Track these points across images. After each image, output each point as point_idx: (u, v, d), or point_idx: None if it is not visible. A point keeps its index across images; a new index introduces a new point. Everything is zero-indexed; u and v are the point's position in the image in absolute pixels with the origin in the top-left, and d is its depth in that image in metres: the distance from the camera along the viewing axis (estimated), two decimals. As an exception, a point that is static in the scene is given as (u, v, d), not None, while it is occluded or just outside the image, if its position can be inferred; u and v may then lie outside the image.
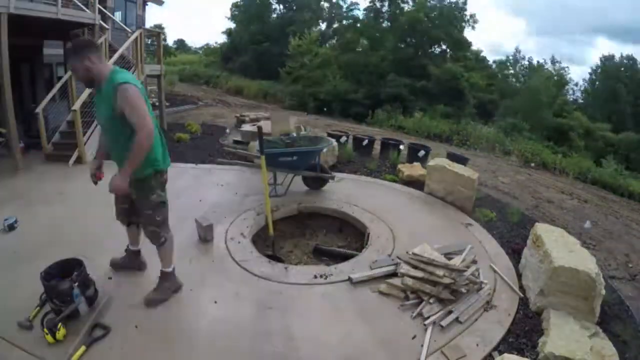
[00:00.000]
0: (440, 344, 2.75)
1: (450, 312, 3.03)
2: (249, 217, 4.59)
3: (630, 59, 25.94)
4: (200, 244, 3.91)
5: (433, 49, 25.30)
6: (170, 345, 2.60)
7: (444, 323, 2.91)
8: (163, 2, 16.46)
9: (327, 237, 4.92)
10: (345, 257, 4.00)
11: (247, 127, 8.56)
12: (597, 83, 26.84)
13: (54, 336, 2.50)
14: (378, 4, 26.20)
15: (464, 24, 25.30)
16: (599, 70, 26.71)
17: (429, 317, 2.95)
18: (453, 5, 24.87)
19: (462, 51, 25.10)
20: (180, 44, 44.98)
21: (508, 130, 17.09)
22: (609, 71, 25.34)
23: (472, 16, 25.53)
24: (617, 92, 23.85)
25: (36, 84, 8.89)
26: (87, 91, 6.64)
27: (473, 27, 25.89)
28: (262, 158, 4.19)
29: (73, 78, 7.26)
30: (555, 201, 7.56)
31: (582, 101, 26.94)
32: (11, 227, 3.98)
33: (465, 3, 24.96)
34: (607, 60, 26.76)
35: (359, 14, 28.16)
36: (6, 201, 4.66)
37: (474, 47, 26.76)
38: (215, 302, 3.05)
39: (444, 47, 25.53)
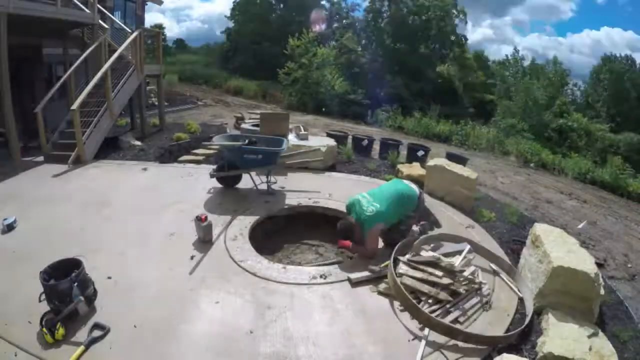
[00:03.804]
0: (439, 343, 2.75)
1: (449, 312, 3.03)
2: (248, 217, 4.59)
3: (629, 59, 25.91)
4: (200, 244, 3.91)
5: (430, 48, 25.29)
6: (170, 345, 2.60)
7: (443, 323, 2.91)
8: (162, 2, 16.45)
9: (326, 236, 4.92)
10: None
11: (247, 126, 8.56)
12: (600, 83, 26.61)
13: (53, 336, 2.50)
14: (378, 4, 26.20)
15: (454, 16, 25.26)
16: (602, 70, 26.49)
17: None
18: (444, 3, 24.79)
19: (459, 47, 25.07)
20: (180, 43, 44.91)
21: (507, 131, 17.09)
22: (616, 71, 25.13)
23: (461, 10, 25.52)
24: (623, 92, 23.72)
25: (35, 83, 8.88)
26: (86, 91, 6.65)
27: (465, 21, 25.90)
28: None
29: (72, 77, 7.26)
30: (554, 201, 7.57)
31: (580, 101, 26.88)
32: (10, 227, 3.98)
33: None
34: (609, 60, 26.64)
35: (360, 15, 28.17)
36: (5, 201, 4.65)
37: (476, 47, 26.83)
38: (217, 302, 3.05)
39: (438, 45, 25.53)
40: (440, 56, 25.26)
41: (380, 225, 3.68)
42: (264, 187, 5.40)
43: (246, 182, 5.52)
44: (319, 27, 24.88)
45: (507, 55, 27.22)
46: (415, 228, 4.09)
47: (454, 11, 24.96)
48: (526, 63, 26.69)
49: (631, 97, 23.70)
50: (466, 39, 26.34)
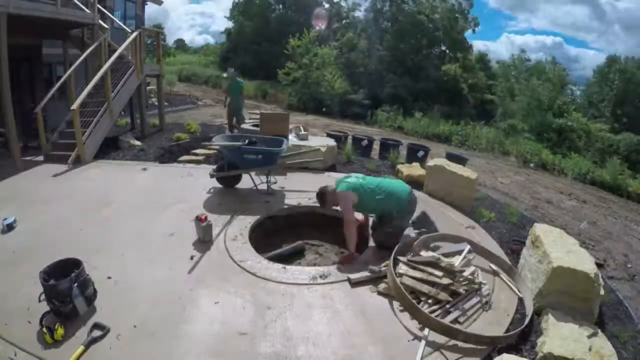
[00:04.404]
0: (439, 343, 2.75)
1: (449, 312, 3.03)
2: (248, 217, 4.59)
3: (635, 60, 25.74)
4: (200, 244, 3.91)
5: (433, 50, 25.35)
6: (169, 345, 2.60)
7: (442, 323, 2.90)
8: (162, 2, 16.45)
9: (326, 236, 4.91)
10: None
11: (247, 126, 8.57)
12: (607, 83, 26.45)
13: (52, 336, 2.50)
14: (379, 5, 26.23)
15: (465, 25, 25.39)
16: (611, 70, 26.34)
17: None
18: (455, 8, 24.96)
19: (462, 52, 25.17)
20: (180, 43, 44.95)
21: (507, 131, 17.11)
22: (628, 71, 24.97)
23: (473, 19, 25.68)
24: (632, 93, 23.57)
25: (35, 83, 8.88)
26: (86, 91, 6.65)
27: (474, 31, 26.08)
28: None
29: (72, 77, 7.27)
30: (554, 201, 7.58)
31: (580, 101, 26.84)
32: (10, 227, 3.97)
33: (471, 5, 25.14)
34: (613, 60, 26.55)
35: (360, 15, 28.17)
36: (5, 201, 4.65)
37: (477, 48, 26.98)
38: (216, 302, 3.05)
39: (443, 48, 25.60)
40: (443, 56, 25.30)
41: (350, 194, 3.69)
42: (264, 187, 5.41)
43: (246, 182, 5.53)
44: (321, 25, 24.93)
45: (513, 54, 27.29)
46: (412, 234, 4.02)
47: (458, 15, 25.04)
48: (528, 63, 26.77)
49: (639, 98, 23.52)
50: (470, 47, 26.42)
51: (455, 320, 2.96)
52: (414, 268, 3.38)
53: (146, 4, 15.09)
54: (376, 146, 8.49)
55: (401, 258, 3.55)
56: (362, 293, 3.29)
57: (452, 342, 2.76)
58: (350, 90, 21.07)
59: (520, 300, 3.32)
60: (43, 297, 2.71)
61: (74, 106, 6.32)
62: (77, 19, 7.69)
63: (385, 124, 16.83)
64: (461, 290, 3.20)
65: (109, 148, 7.20)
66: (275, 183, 5.51)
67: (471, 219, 5.02)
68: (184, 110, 14.08)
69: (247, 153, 5.19)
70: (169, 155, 7.07)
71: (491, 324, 3.00)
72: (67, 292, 2.66)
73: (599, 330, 2.94)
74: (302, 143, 6.88)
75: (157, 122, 9.61)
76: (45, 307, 2.69)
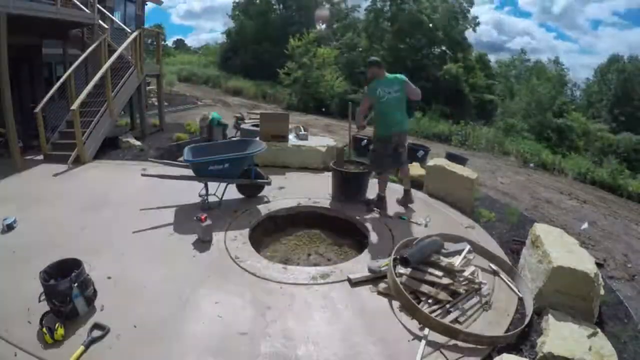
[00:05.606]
0: (439, 343, 2.74)
1: (449, 312, 3.03)
2: (248, 217, 4.59)
3: (635, 59, 25.74)
4: (200, 244, 3.91)
5: (433, 50, 25.34)
6: (169, 345, 2.60)
7: (442, 323, 2.90)
8: (162, 2, 16.46)
9: (325, 236, 4.91)
10: None
11: (247, 126, 8.56)
12: (603, 82, 26.49)
13: (52, 336, 2.50)
14: (379, 4, 26.22)
15: (466, 24, 25.39)
16: (609, 70, 26.34)
17: (428, 317, 2.94)
18: (456, 7, 24.97)
19: (462, 52, 25.18)
20: (180, 43, 44.96)
21: (507, 131, 17.12)
22: (627, 71, 24.95)
23: (474, 18, 25.68)
24: (630, 93, 23.60)
25: (35, 83, 8.88)
26: (86, 91, 6.65)
27: (474, 30, 26.05)
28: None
29: (72, 77, 7.26)
30: (554, 201, 7.57)
31: (580, 101, 26.89)
32: (10, 227, 3.98)
33: (471, 5, 25.13)
34: (614, 60, 26.56)
35: (360, 15, 28.17)
36: (5, 201, 4.66)
37: (477, 48, 26.95)
38: (216, 302, 3.04)
39: (443, 47, 25.61)
40: (443, 56, 25.29)
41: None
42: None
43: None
44: (323, 24, 24.93)
45: (512, 56, 27.39)
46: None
47: (458, 14, 25.03)
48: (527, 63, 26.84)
49: (637, 98, 23.55)
50: (470, 46, 26.36)
51: (455, 320, 2.96)
52: (414, 268, 3.38)
53: (146, 4, 15.11)
54: (376, 146, 8.48)
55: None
56: (362, 293, 3.29)
57: (452, 342, 2.76)
58: (350, 90, 21.05)
59: (520, 300, 3.32)
60: (43, 297, 2.71)
61: (74, 106, 6.32)
62: (77, 19, 7.69)
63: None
64: (461, 290, 3.20)
65: (109, 148, 7.20)
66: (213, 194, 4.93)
67: (471, 219, 5.02)
68: (184, 110, 14.08)
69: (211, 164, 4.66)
70: (169, 155, 7.07)
71: (491, 324, 3.00)
72: (67, 292, 2.66)
73: (599, 330, 2.93)
74: (302, 143, 6.88)
75: (157, 122, 9.62)
76: (45, 307, 2.69)
